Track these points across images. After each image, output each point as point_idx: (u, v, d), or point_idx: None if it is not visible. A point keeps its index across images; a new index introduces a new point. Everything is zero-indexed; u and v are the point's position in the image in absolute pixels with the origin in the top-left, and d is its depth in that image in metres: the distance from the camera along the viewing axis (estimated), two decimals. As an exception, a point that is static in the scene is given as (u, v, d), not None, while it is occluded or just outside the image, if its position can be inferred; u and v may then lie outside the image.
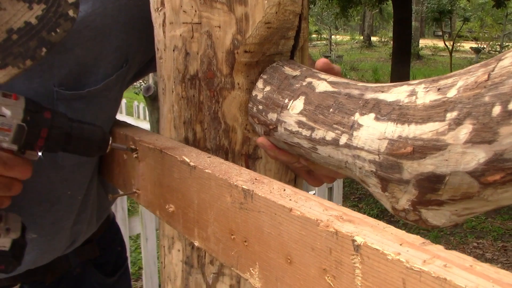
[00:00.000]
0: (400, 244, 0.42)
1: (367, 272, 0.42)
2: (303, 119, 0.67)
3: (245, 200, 0.57)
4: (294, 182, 0.84)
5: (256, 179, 0.60)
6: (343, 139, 0.61)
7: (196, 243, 0.69)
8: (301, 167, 0.77)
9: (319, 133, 0.64)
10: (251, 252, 0.58)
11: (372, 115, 0.58)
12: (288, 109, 0.69)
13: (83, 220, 1.04)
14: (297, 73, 0.73)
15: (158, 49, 0.81)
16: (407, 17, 9.71)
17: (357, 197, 6.09)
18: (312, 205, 0.51)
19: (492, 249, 4.80)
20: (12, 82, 0.81)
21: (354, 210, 0.49)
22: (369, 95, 0.60)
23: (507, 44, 21.87)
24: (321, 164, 0.68)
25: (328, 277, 0.47)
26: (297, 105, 0.68)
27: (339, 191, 4.21)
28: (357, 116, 0.60)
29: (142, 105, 7.71)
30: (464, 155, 0.47)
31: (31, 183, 0.89)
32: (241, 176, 0.61)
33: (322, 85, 0.67)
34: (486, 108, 0.45)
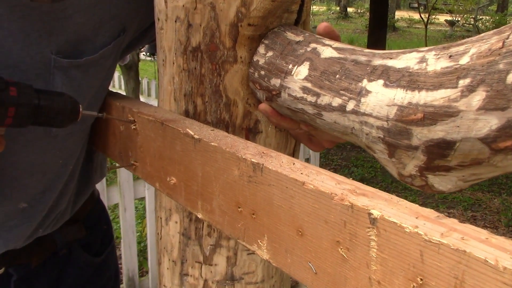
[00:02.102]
0: (416, 218, 0.43)
1: (383, 245, 0.44)
2: (308, 85, 0.67)
3: (254, 174, 0.58)
4: (293, 155, 0.85)
5: (263, 152, 0.61)
6: (350, 105, 0.61)
7: (200, 215, 0.70)
8: (302, 133, 0.78)
9: (325, 99, 0.65)
10: (259, 224, 0.59)
11: (381, 81, 0.59)
12: (292, 75, 0.70)
13: (68, 191, 1.03)
14: (300, 38, 0.72)
15: (159, 19, 0.80)
16: (384, -12, 9.70)
17: (332, 168, 6.16)
18: (324, 179, 0.52)
19: (462, 218, 4.95)
20: (9, 49, 0.79)
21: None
22: (377, 62, 0.61)
23: (480, 17, 22.09)
24: (326, 130, 0.68)
25: (341, 249, 0.48)
26: (302, 70, 0.69)
27: (315, 162, 4.26)
28: (365, 83, 0.60)
29: (117, 74, 7.58)
30: (476, 122, 0.48)
31: (24, 154, 0.88)
32: (248, 150, 0.62)
33: (327, 51, 0.68)
34: (500, 75, 0.46)
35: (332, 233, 0.49)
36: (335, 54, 0.67)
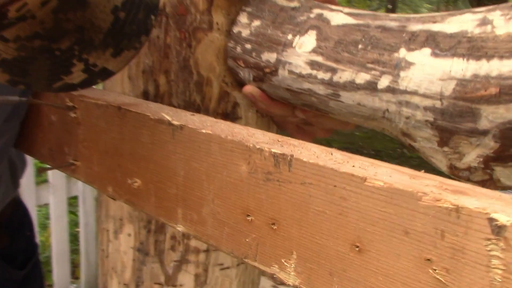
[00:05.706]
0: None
1: (514, 263, 0.30)
2: (318, 58, 0.53)
3: (277, 169, 0.42)
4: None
5: (278, 140, 0.45)
6: (384, 82, 0.48)
7: (180, 228, 0.52)
8: (293, 121, 0.64)
9: (345, 75, 0.51)
10: (283, 237, 0.43)
11: (427, 50, 0.46)
12: (294, 47, 0.55)
13: None
14: (295, 4, 0.58)
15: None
16: None
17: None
18: (389, 173, 0.38)
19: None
20: None
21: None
22: (416, 27, 0.48)
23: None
24: (342, 114, 0.54)
25: (435, 269, 0.34)
26: (307, 41, 0.54)
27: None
28: (403, 53, 0.47)
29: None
30: None
31: None
32: (255, 137, 0.46)
33: (338, 17, 0.54)
34: None
35: (417, 247, 0.35)
36: (350, 20, 0.53)
